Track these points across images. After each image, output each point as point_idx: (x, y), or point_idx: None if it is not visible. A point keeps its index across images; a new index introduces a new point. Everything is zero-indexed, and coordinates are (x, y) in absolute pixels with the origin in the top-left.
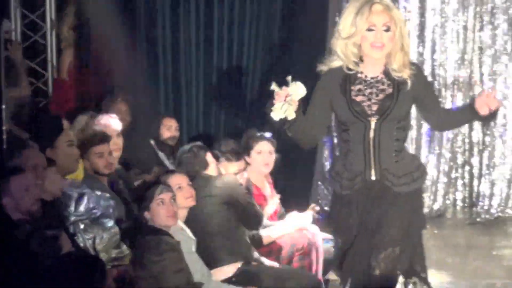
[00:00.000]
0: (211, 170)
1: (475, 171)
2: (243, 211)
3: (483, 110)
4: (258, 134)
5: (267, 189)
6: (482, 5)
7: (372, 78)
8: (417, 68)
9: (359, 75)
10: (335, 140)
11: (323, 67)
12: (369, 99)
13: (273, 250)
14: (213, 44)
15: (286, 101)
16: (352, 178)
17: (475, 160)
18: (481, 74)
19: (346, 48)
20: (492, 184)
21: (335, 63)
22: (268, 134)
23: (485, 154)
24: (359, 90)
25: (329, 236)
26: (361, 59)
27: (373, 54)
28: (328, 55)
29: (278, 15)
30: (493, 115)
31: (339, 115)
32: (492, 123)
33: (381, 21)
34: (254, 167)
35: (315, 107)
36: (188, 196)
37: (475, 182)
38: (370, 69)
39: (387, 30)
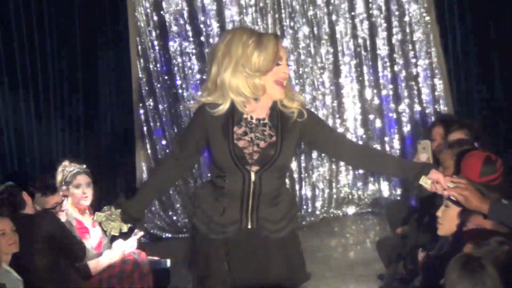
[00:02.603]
0: (28, 209)
1: (295, 176)
2: (65, 246)
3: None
4: (74, 167)
5: (88, 220)
6: (280, 11)
7: (257, 120)
8: (302, 111)
9: (244, 115)
10: None
11: (196, 103)
12: (252, 145)
13: (103, 279)
14: (18, 84)
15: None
16: (225, 225)
17: (293, 165)
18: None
19: (246, 87)
20: (313, 186)
21: (215, 99)
22: (83, 166)
23: (302, 157)
24: (243, 133)
25: (155, 259)
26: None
27: (276, 93)
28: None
29: (79, 53)
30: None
31: (217, 160)
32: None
33: (285, 55)
34: (73, 200)
35: (191, 141)
36: (11, 243)
37: (297, 187)
38: (257, 110)
39: (288, 65)
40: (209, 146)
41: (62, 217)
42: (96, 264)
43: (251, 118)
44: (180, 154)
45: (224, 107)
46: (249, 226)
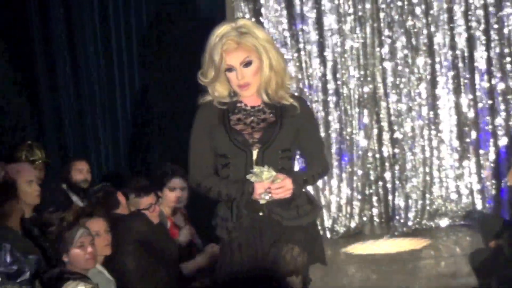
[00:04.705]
0: (122, 209)
1: (389, 186)
2: (156, 248)
3: None
4: (171, 170)
5: (181, 221)
6: (379, 20)
7: (252, 107)
8: (301, 99)
9: (238, 104)
10: None
11: (200, 100)
12: (251, 128)
13: (195, 280)
14: (115, 83)
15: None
16: (239, 217)
17: (387, 175)
18: (385, 89)
19: (213, 90)
20: (407, 197)
21: (211, 96)
22: (180, 170)
23: (397, 167)
24: (239, 119)
25: None
26: (232, 93)
27: (243, 93)
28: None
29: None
30: None
31: (219, 148)
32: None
33: (237, 60)
34: (167, 202)
35: (202, 144)
36: (106, 244)
37: (390, 197)
38: (249, 98)
39: (247, 64)
40: (212, 138)
41: (155, 218)
42: (188, 266)
43: (246, 105)
44: (204, 164)
45: (214, 101)
46: (260, 213)
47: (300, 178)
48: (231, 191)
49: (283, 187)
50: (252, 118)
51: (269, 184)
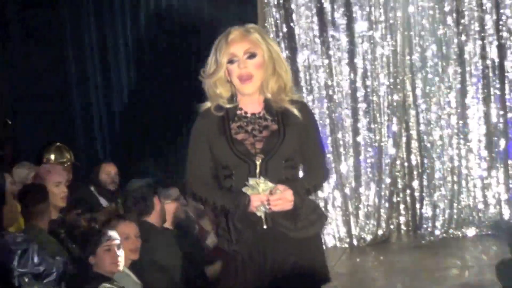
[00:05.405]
0: (154, 215)
1: (417, 194)
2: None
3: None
4: None
5: (208, 225)
6: (410, 29)
7: (252, 114)
8: (302, 105)
9: (238, 111)
10: None
11: (199, 108)
12: (253, 136)
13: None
14: (144, 89)
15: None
16: (238, 232)
17: (415, 183)
18: (415, 97)
19: (211, 88)
20: (434, 206)
21: (209, 103)
22: None
23: (425, 176)
24: (240, 127)
25: None
26: (233, 97)
27: (244, 89)
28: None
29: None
30: None
31: (220, 159)
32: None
33: (241, 49)
34: (194, 205)
35: (199, 154)
36: (133, 249)
37: (417, 205)
38: (249, 104)
39: (251, 56)
40: (212, 149)
41: (182, 214)
42: (214, 269)
43: (246, 113)
44: (201, 174)
45: (212, 108)
46: (265, 227)
47: (302, 188)
48: (226, 203)
49: (283, 199)
50: (253, 125)
51: (266, 196)
